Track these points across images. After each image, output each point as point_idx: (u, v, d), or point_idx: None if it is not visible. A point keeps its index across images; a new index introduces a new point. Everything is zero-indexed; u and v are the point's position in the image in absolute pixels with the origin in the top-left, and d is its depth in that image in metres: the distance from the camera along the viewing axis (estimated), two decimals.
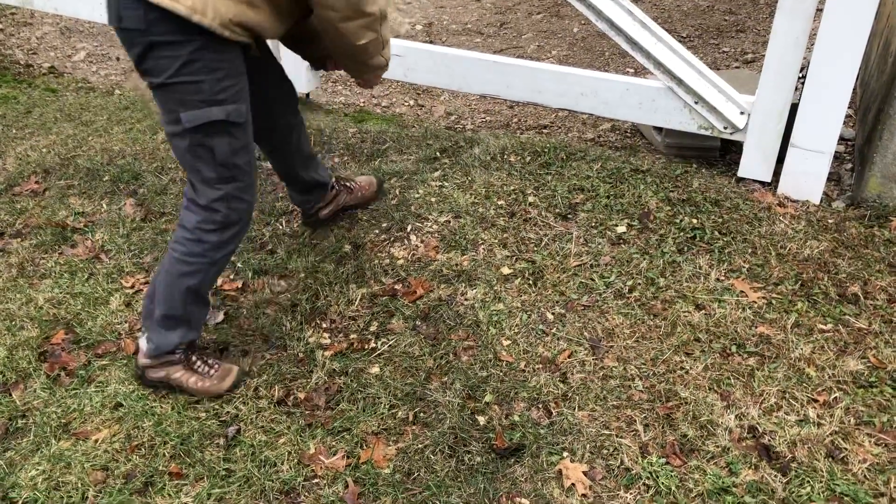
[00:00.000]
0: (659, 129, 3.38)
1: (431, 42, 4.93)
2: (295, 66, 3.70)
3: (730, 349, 2.25)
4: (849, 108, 3.24)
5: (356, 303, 2.50)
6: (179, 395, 2.17)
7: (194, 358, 2.19)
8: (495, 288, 2.52)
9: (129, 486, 1.92)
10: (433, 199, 2.97)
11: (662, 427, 2.02)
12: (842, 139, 3.35)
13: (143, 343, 2.16)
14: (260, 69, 2.19)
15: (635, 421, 2.04)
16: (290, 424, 2.08)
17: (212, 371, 2.19)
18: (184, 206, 2.08)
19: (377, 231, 2.84)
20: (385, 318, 2.43)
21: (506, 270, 2.60)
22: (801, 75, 2.81)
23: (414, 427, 2.06)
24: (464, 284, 2.54)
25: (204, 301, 2.17)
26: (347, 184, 2.86)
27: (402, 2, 5.82)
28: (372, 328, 2.40)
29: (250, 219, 2.14)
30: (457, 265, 2.63)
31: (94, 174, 3.28)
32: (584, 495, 1.85)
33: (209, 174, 1.98)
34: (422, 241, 2.76)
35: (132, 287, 2.60)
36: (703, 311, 2.39)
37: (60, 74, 4.50)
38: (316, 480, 1.93)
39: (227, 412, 2.13)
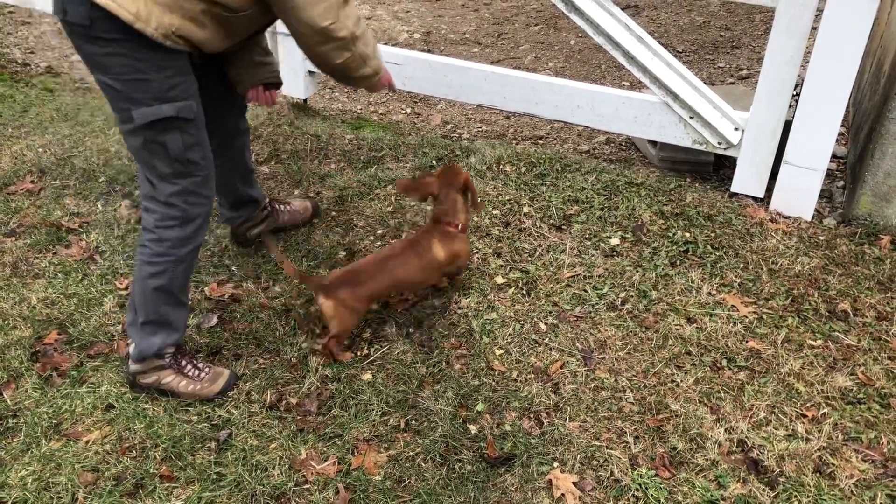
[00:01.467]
0: (654, 143, 3.40)
1: (429, 51, 4.96)
2: (293, 72, 3.71)
3: (720, 363, 2.27)
4: (841, 126, 3.27)
5: None
6: (171, 398, 2.17)
7: (184, 362, 2.19)
8: (489, 297, 2.54)
9: (119, 488, 1.92)
10: (429, 207, 2.98)
11: (652, 439, 2.04)
12: (834, 157, 3.39)
13: (131, 350, 2.16)
14: (201, 69, 2.14)
15: (626, 433, 2.05)
16: (282, 429, 2.08)
17: (202, 374, 2.19)
18: (143, 209, 2.08)
19: (372, 237, 2.85)
20: (378, 324, 2.44)
21: (499, 280, 2.61)
22: (795, 93, 2.84)
23: (405, 434, 2.07)
24: (457, 293, 2.55)
25: (177, 302, 2.16)
26: (280, 206, 2.86)
27: (401, 10, 5.84)
28: (365, 335, 2.41)
29: (210, 213, 2.15)
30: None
31: (90, 175, 3.28)
32: None
33: (165, 170, 1.99)
34: None
35: (126, 288, 2.59)
36: (695, 325, 2.40)
37: (58, 74, 4.49)
38: (307, 486, 1.93)
39: (219, 416, 2.13)
